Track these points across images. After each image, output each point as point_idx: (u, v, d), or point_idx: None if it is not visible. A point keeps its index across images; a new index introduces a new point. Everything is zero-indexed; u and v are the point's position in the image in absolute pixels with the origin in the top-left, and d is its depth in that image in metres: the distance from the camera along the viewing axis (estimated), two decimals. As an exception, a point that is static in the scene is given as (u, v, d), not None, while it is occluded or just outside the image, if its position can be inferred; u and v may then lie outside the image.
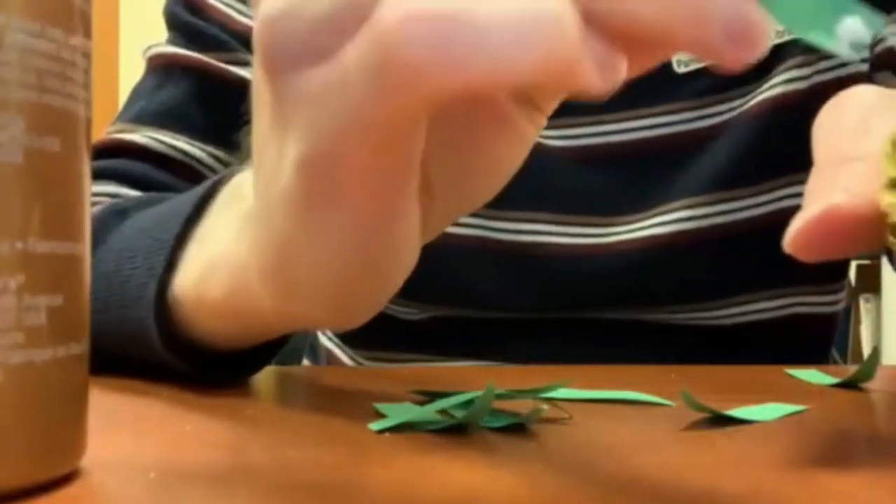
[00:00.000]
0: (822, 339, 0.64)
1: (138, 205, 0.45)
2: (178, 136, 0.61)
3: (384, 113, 0.20)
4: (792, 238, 0.25)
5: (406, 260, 0.27)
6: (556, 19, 0.18)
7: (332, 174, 0.23)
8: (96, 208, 0.46)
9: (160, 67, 0.63)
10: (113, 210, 0.45)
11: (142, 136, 0.61)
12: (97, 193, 0.57)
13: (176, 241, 0.37)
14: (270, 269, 0.28)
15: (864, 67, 0.57)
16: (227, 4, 0.63)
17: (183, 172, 0.61)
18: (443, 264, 0.57)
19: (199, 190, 0.38)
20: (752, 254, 0.57)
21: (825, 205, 0.24)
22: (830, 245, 0.25)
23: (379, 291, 0.27)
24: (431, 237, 0.29)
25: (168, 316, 0.37)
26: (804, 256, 0.25)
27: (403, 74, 0.19)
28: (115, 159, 0.60)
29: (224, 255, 0.32)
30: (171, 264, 0.37)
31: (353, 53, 0.20)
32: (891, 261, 0.50)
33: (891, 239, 0.23)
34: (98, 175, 0.59)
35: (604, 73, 0.19)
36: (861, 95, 0.28)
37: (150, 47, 0.65)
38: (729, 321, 0.59)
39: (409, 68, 0.18)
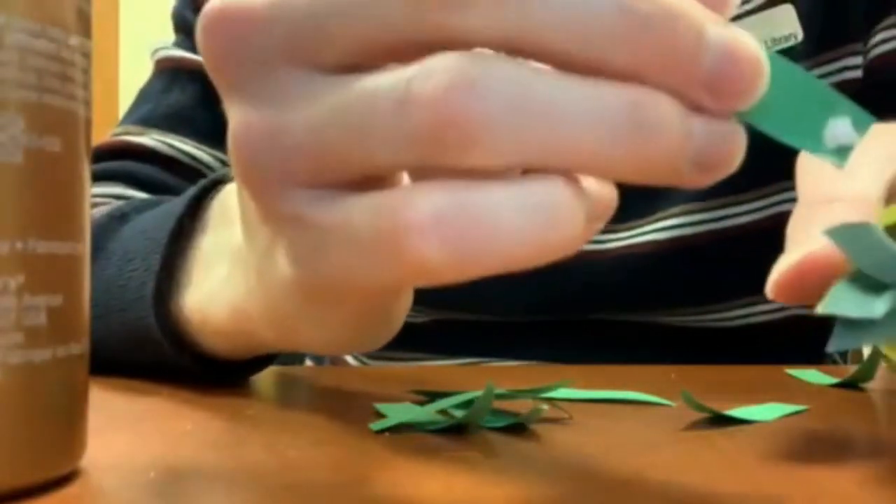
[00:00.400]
0: (822, 339, 0.64)
1: (138, 208, 0.45)
2: (185, 139, 0.61)
3: (385, 280, 0.19)
4: (772, 285, 0.25)
5: (406, 303, 0.29)
6: (567, 218, 0.18)
7: (331, 294, 0.23)
8: (98, 211, 0.46)
9: (167, 71, 0.64)
10: (113, 215, 0.45)
11: (149, 139, 0.61)
12: (105, 195, 0.58)
13: (170, 237, 0.37)
14: (269, 319, 0.28)
15: (859, 74, 0.57)
16: None
17: (190, 175, 0.61)
18: None
19: (192, 190, 0.39)
20: (751, 258, 0.57)
21: (803, 253, 0.25)
22: (810, 291, 0.25)
23: (382, 334, 0.28)
24: None
25: (169, 313, 0.37)
26: (785, 301, 0.26)
27: (413, 266, 0.18)
28: (122, 161, 0.60)
29: (221, 289, 0.33)
30: (167, 262, 0.37)
31: (362, 214, 0.19)
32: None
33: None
34: (105, 176, 0.59)
35: (599, 222, 0.20)
36: None
37: (157, 49, 0.65)
38: (728, 324, 0.59)
39: (420, 264, 0.18)
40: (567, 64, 0.18)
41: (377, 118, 0.19)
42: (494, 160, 0.18)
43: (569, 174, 0.18)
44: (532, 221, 0.18)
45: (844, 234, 0.19)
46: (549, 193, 0.18)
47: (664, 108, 0.18)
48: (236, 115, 0.21)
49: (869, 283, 0.20)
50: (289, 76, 0.20)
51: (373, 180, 0.20)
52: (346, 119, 0.19)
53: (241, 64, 0.21)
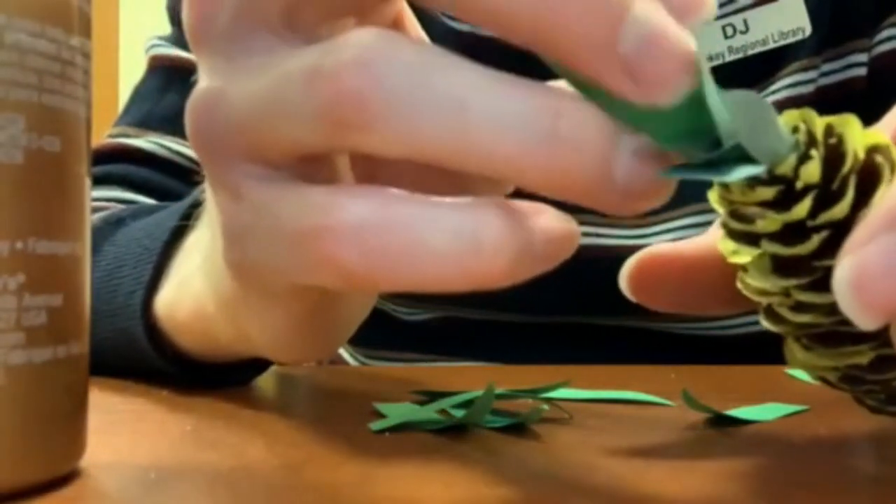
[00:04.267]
0: None
1: (135, 214, 0.45)
2: (182, 141, 0.61)
3: (302, 276, 0.19)
4: (621, 279, 0.25)
5: (357, 311, 0.28)
6: (492, 250, 0.17)
7: (260, 281, 0.22)
8: (97, 216, 0.46)
9: (163, 69, 0.63)
10: (109, 220, 0.45)
11: (146, 142, 0.61)
12: (105, 198, 0.57)
13: (164, 247, 0.37)
14: (221, 314, 0.28)
15: (864, 71, 0.57)
16: None
17: (187, 177, 0.61)
18: None
19: (188, 199, 0.39)
20: None
21: (647, 249, 0.25)
22: (664, 288, 0.25)
23: (331, 342, 0.28)
24: None
25: (156, 325, 0.37)
26: (639, 298, 0.25)
27: (327, 269, 0.18)
28: (120, 164, 0.60)
29: (190, 280, 0.33)
30: (158, 273, 0.37)
31: (292, 205, 0.19)
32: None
33: (739, 284, 0.23)
34: (103, 180, 0.59)
35: (554, 258, 0.19)
36: None
37: (152, 45, 0.65)
38: (733, 332, 0.58)
39: (334, 269, 0.18)
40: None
41: (291, 90, 0.18)
42: (394, 145, 0.17)
43: (508, 205, 0.17)
44: (454, 246, 0.17)
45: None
46: (478, 221, 0.17)
47: (588, 122, 0.17)
48: (200, 84, 0.21)
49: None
50: (254, 39, 0.20)
51: (320, 170, 0.20)
52: (270, 91, 0.19)
53: (218, 29, 0.21)
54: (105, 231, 0.43)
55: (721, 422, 0.30)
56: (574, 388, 0.36)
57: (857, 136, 0.21)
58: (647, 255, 0.26)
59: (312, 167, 0.20)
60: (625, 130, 0.17)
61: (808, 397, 0.35)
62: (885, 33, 0.56)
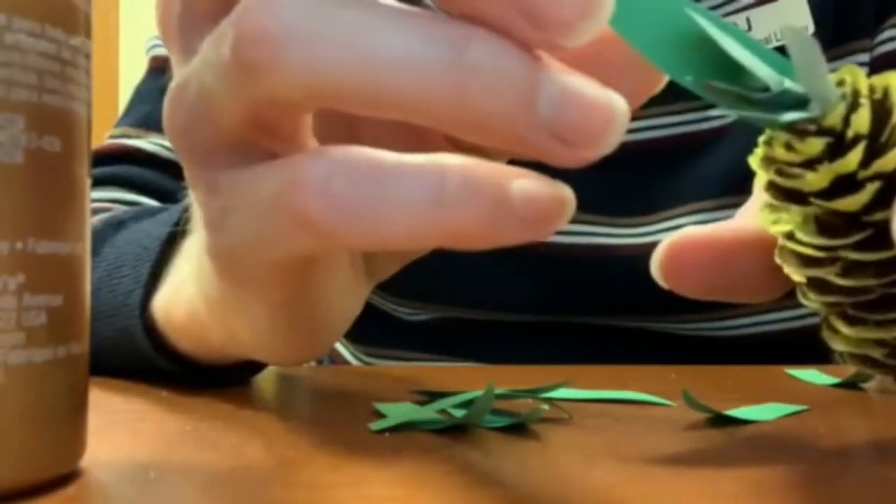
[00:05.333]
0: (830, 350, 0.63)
1: (136, 216, 0.45)
2: None
3: (279, 243, 0.20)
4: (652, 265, 0.25)
5: (343, 312, 0.28)
6: (454, 209, 0.17)
7: (241, 267, 0.23)
8: (98, 218, 0.46)
9: (163, 70, 0.63)
10: (111, 222, 0.45)
11: (147, 143, 0.61)
12: (104, 199, 0.57)
13: (162, 247, 0.37)
14: (212, 317, 0.28)
15: (865, 71, 0.57)
16: None
17: None
18: (446, 264, 0.57)
19: (187, 200, 0.39)
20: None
21: (680, 233, 0.25)
22: (697, 272, 0.25)
23: (317, 342, 0.28)
24: (386, 275, 0.30)
25: (155, 325, 0.37)
26: (671, 284, 0.25)
27: (298, 223, 0.18)
28: (121, 165, 0.60)
29: (184, 284, 0.33)
30: (157, 273, 0.37)
31: (266, 175, 0.19)
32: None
33: (779, 259, 0.23)
34: (104, 181, 0.59)
35: (549, 222, 0.18)
36: None
37: (153, 45, 0.65)
38: (733, 332, 0.58)
39: (304, 222, 0.18)
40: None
41: (213, 48, 0.19)
42: (301, 84, 0.17)
43: (481, 162, 0.17)
44: (418, 195, 0.17)
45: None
46: (442, 171, 0.17)
47: (501, 52, 0.16)
48: (171, 83, 0.22)
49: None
50: (201, 24, 0.21)
51: (287, 146, 0.21)
52: (204, 57, 0.20)
53: (175, 26, 0.22)
54: (105, 233, 0.44)
55: (721, 422, 0.30)
56: (574, 388, 0.36)
57: None
58: (681, 238, 0.25)
59: (278, 143, 0.21)
60: (561, 68, 0.17)
61: (808, 397, 0.35)
62: (886, 34, 0.56)
